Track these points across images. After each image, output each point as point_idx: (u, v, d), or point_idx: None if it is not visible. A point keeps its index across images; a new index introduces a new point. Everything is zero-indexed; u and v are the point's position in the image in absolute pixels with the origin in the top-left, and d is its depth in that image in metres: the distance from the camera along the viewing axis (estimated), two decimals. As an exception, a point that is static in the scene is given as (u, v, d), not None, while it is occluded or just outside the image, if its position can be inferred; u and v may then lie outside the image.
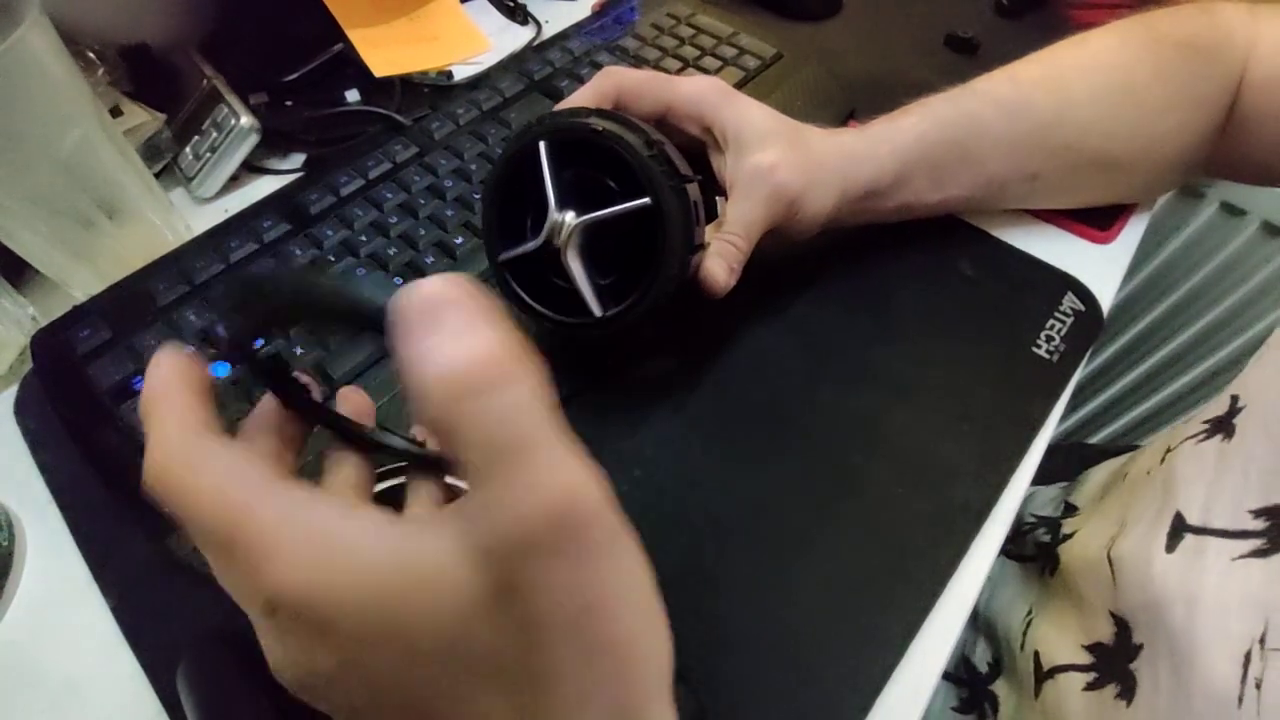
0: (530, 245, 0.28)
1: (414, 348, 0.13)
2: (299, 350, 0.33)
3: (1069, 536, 0.39)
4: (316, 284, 0.18)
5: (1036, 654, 0.37)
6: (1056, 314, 0.37)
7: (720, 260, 0.31)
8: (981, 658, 0.42)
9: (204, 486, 0.15)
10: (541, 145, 0.27)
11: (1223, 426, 0.30)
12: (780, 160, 0.31)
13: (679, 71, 0.48)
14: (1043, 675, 0.36)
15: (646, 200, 0.26)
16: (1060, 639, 0.36)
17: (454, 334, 0.13)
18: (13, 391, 0.35)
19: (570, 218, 0.27)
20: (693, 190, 0.28)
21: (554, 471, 0.13)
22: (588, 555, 0.13)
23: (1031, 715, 0.36)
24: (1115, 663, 0.31)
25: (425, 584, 0.14)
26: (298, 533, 0.14)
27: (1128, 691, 0.30)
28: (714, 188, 0.34)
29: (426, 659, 0.14)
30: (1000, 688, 0.40)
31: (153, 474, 0.16)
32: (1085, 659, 0.33)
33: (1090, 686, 0.32)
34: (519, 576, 0.13)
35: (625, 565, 0.14)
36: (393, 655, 0.14)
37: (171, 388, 0.17)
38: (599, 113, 0.28)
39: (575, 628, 0.14)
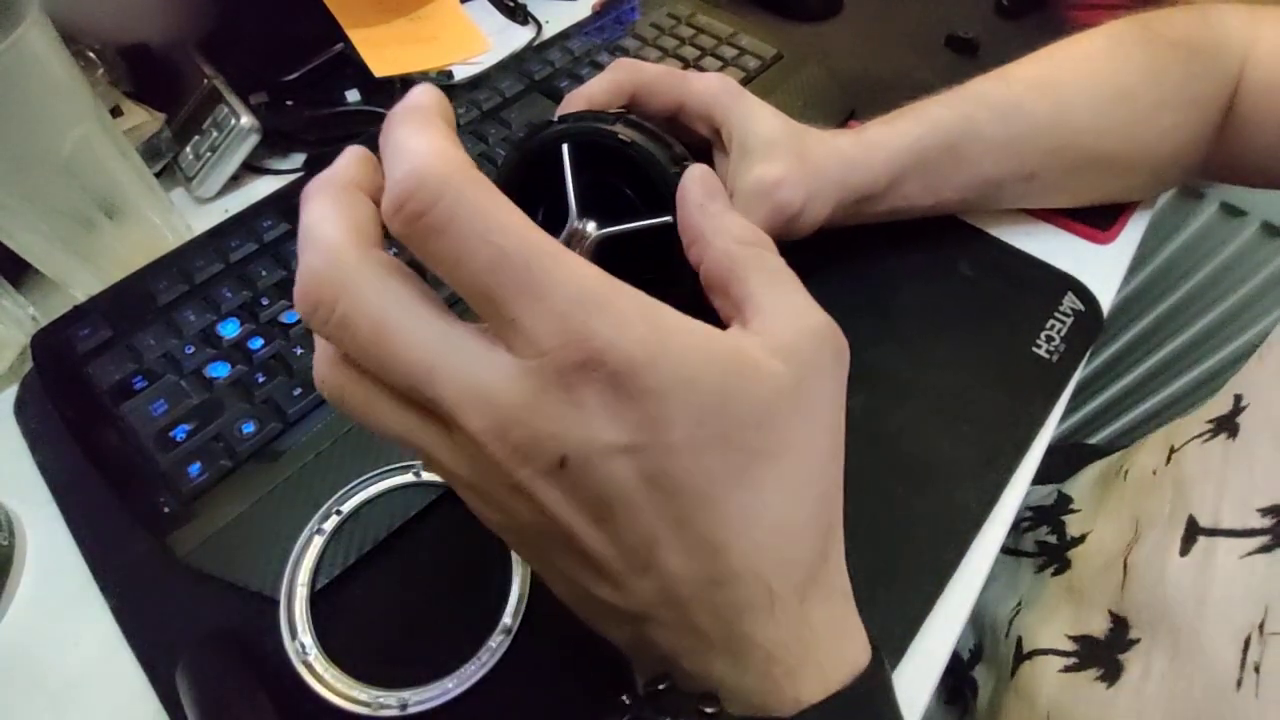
0: None
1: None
2: (299, 351, 0.33)
3: (1079, 540, 0.39)
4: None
5: (1019, 639, 0.37)
6: (1056, 314, 0.37)
7: None
8: (964, 645, 0.42)
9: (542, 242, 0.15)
10: (565, 148, 0.26)
11: (1227, 425, 0.30)
12: (784, 176, 0.31)
13: (679, 71, 0.48)
14: (1021, 657, 0.36)
15: (668, 218, 0.26)
16: (1044, 627, 0.36)
17: None
18: (13, 391, 0.35)
19: (591, 227, 0.26)
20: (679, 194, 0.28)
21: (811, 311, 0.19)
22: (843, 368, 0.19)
23: (1007, 696, 0.37)
24: (1102, 653, 0.31)
25: (748, 367, 0.17)
26: (630, 302, 0.16)
27: (1110, 676, 0.30)
28: None
29: (725, 438, 0.16)
30: (979, 673, 0.40)
31: (460, 212, 0.15)
32: (1068, 646, 0.34)
33: (1068, 669, 0.33)
34: (811, 376, 0.18)
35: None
36: (699, 426, 0.16)
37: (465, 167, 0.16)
38: (624, 119, 0.28)
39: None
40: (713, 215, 0.20)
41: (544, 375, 0.15)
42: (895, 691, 0.20)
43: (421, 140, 0.15)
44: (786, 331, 0.18)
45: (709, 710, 0.16)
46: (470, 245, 0.15)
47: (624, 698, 0.17)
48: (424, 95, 0.17)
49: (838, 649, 0.19)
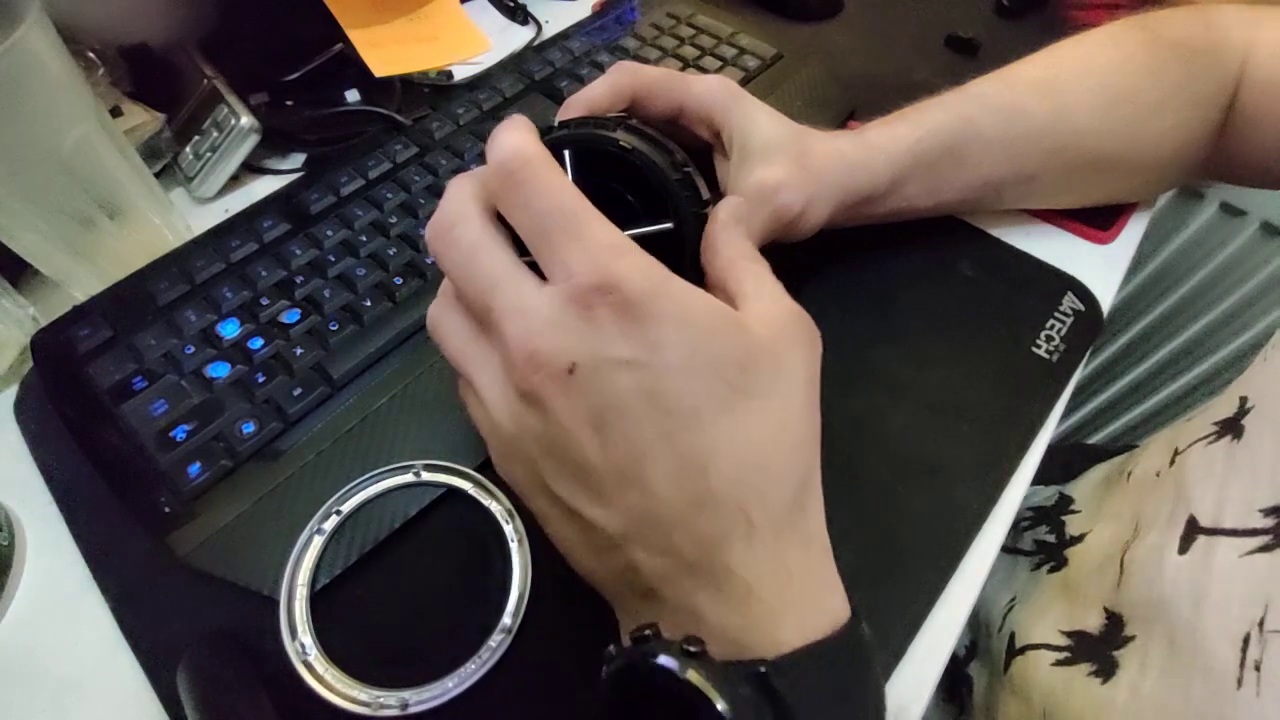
0: None
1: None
2: (299, 351, 0.33)
3: (1078, 539, 0.39)
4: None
5: (1012, 634, 0.37)
6: (1056, 314, 0.37)
7: None
8: (959, 642, 0.43)
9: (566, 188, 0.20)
10: (567, 155, 0.26)
11: (1232, 427, 0.30)
12: (784, 180, 0.31)
13: (680, 72, 0.48)
14: (1014, 652, 0.36)
15: (669, 225, 0.26)
16: (1037, 623, 0.36)
17: None
18: (13, 391, 0.35)
19: None
20: (710, 214, 0.28)
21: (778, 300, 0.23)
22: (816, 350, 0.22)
23: (1000, 691, 0.37)
24: (1096, 649, 0.32)
25: (737, 322, 0.20)
26: (645, 257, 0.20)
27: (1105, 672, 0.30)
28: (718, 197, 0.33)
29: (715, 369, 0.19)
30: (974, 669, 0.41)
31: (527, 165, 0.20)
32: (1061, 641, 0.34)
33: (1060, 663, 0.33)
34: (786, 344, 0.21)
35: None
36: (693, 354, 0.19)
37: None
38: (625, 125, 0.28)
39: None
40: (731, 233, 0.24)
41: (569, 295, 0.19)
42: (875, 656, 0.21)
43: (517, 134, 0.21)
44: (766, 308, 0.22)
45: (692, 650, 0.17)
46: (538, 196, 0.20)
47: (610, 648, 0.18)
48: (519, 118, 0.23)
49: (817, 598, 0.20)
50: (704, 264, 0.24)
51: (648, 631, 0.19)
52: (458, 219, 0.21)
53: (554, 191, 0.20)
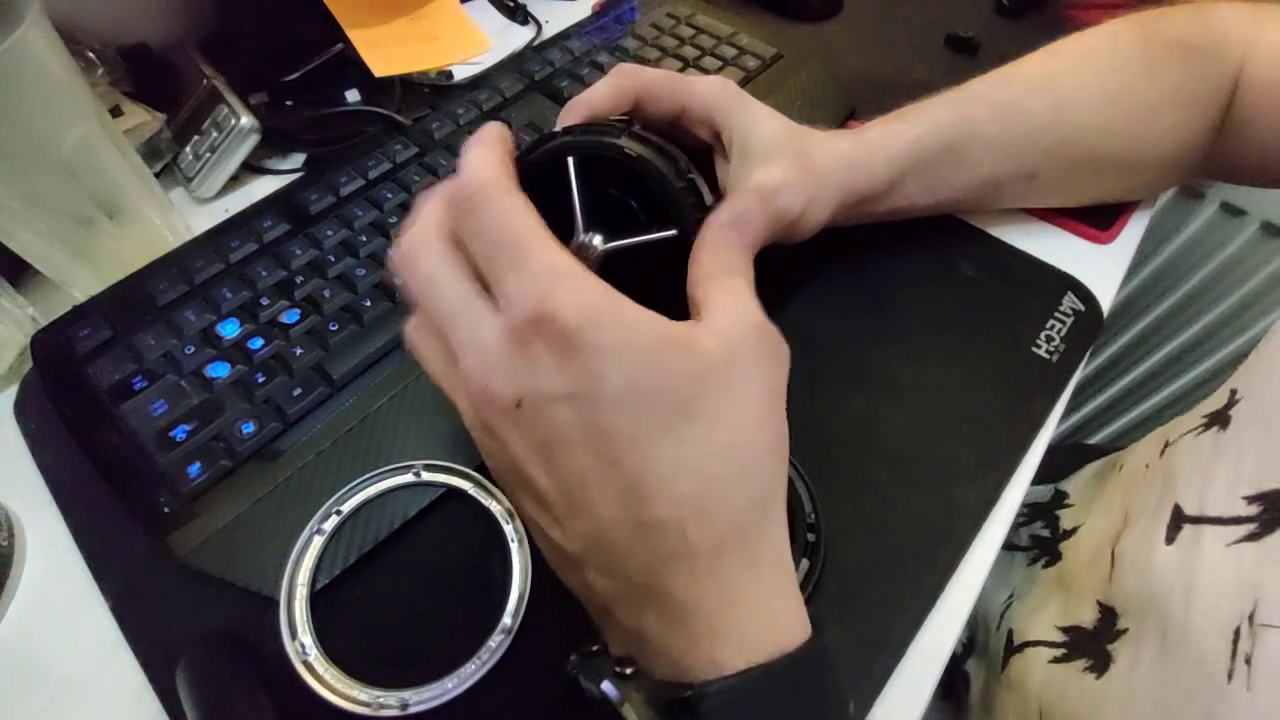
0: None
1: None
2: (299, 351, 0.33)
3: (1070, 533, 0.40)
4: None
5: (1010, 632, 0.37)
6: (1056, 314, 0.37)
7: None
8: (957, 640, 0.43)
9: (528, 222, 0.20)
10: (570, 162, 0.26)
11: (1219, 418, 0.30)
12: (784, 182, 0.31)
13: (680, 72, 0.48)
14: (1012, 650, 0.36)
15: (674, 231, 0.26)
16: (1035, 619, 0.36)
17: None
18: (13, 391, 0.35)
19: (598, 241, 0.26)
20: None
21: (748, 308, 0.22)
22: (783, 365, 0.22)
23: (998, 688, 0.37)
24: (1090, 643, 0.32)
25: (685, 343, 0.20)
26: (589, 282, 0.19)
27: (1099, 666, 0.31)
28: (720, 200, 0.33)
29: (657, 395, 0.19)
30: (971, 666, 0.41)
31: (483, 194, 0.21)
32: (1058, 638, 0.34)
33: (1057, 660, 0.33)
34: (742, 358, 0.20)
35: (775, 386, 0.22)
36: (633, 380, 0.19)
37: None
38: (629, 131, 0.28)
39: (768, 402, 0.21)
40: (716, 243, 0.24)
41: (511, 329, 0.19)
42: (834, 681, 0.20)
43: (477, 155, 0.21)
44: (725, 323, 0.21)
45: (626, 671, 0.18)
46: (486, 223, 0.20)
47: (571, 657, 0.20)
48: (490, 129, 0.23)
49: (764, 621, 0.20)
50: (689, 267, 0.24)
51: (594, 648, 0.20)
52: (420, 246, 0.22)
53: (502, 218, 0.20)
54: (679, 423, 0.19)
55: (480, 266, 0.21)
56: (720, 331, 0.21)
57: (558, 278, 0.19)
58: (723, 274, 0.23)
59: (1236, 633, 0.25)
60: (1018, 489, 0.32)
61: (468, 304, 0.20)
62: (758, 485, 0.20)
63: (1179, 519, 0.29)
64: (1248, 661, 0.24)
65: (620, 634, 0.21)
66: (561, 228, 0.27)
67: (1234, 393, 0.31)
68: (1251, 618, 0.24)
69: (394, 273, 0.22)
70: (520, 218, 0.20)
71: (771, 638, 0.19)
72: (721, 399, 0.20)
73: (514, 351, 0.19)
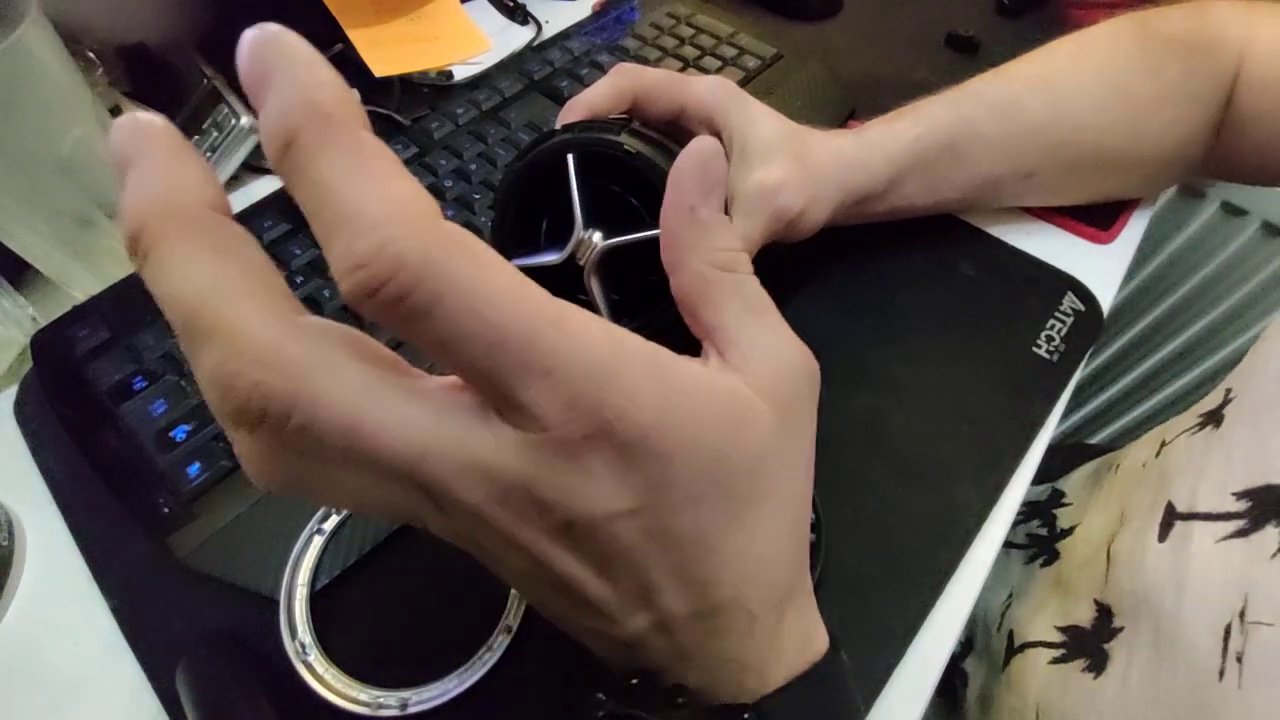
0: (552, 258, 0.27)
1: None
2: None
3: (1068, 532, 0.40)
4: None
5: (1010, 633, 0.37)
6: (1056, 314, 0.37)
7: None
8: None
9: (519, 291, 0.14)
10: (570, 159, 0.26)
11: (1214, 417, 0.30)
12: (784, 180, 0.31)
13: (680, 72, 0.48)
14: (1013, 650, 0.36)
15: None
16: (1035, 619, 0.36)
17: None
18: (13, 391, 0.35)
19: (598, 238, 0.26)
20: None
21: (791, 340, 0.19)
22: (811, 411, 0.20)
23: (997, 687, 0.37)
24: (1088, 642, 0.32)
25: (742, 416, 0.17)
26: (639, 365, 0.15)
27: (1096, 666, 0.31)
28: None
29: (721, 489, 0.17)
30: (970, 664, 0.41)
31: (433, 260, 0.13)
32: (1057, 638, 0.34)
33: (1057, 660, 0.33)
34: (791, 414, 0.18)
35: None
36: (699, 481, 0.16)
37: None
38: (628, 128, 0.28)
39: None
40: (697, 224, 0.18)
41: (550, 448, 0.14)
42: (850, 677, 0.21)
43: (375, 194, 0.12)
44: (767, 369, 0.18)
45: (680, 700, 0.17)
46: (464, 326, 0.13)
47: (599, 694, 0.18)
48: (334, 102, 0.13)
49: (800, 646, 0.20)
50: (667, 266, 0.19)
51: (635, 680, 0.18)
52: (286, 397, 0.13)
53: (488, 311, 0.13)
54: (744, 511, 0.17)
55: (464, 375, 0.14)
56: (768, 387, 0.18)
57: (601, 377, 0.14)
58: (726, 275, 0.19)
59: (1227, 630, 0.25)
60: (1018, 489, 0.32)
61: (444, 425, 0.14)
62: (803, 533, 0.20)
63: (1171, 516, 0.29)
64: (1239, 659, 0.24)
65: (661, 679, 0.20)
66: (561, 226, 0.27)
67: (1228, 392, 0.31)
68: (1242, 615, 0.25)
69: (236, 439, 0.14)
70: (510, 287, 0.13)
71: (806, 655, 0.20)
72: (780, 472, 0.18)
73: (558, 470, 0.14)
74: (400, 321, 0.13)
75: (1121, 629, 0.30)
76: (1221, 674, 0.24)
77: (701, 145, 0.18)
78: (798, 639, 0.20)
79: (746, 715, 0.18)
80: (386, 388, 0.14)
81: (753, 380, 0.18)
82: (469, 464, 0.14)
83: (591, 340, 0.14)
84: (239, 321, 0.12)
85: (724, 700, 0.19)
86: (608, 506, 0.15)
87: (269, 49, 0.13)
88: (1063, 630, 0.34)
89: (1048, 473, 0.48)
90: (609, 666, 0.20)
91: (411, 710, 0.25)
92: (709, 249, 0.18)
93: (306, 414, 0.13)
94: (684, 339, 0.22)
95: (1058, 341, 0.36)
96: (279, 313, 0.13)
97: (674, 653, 0.18)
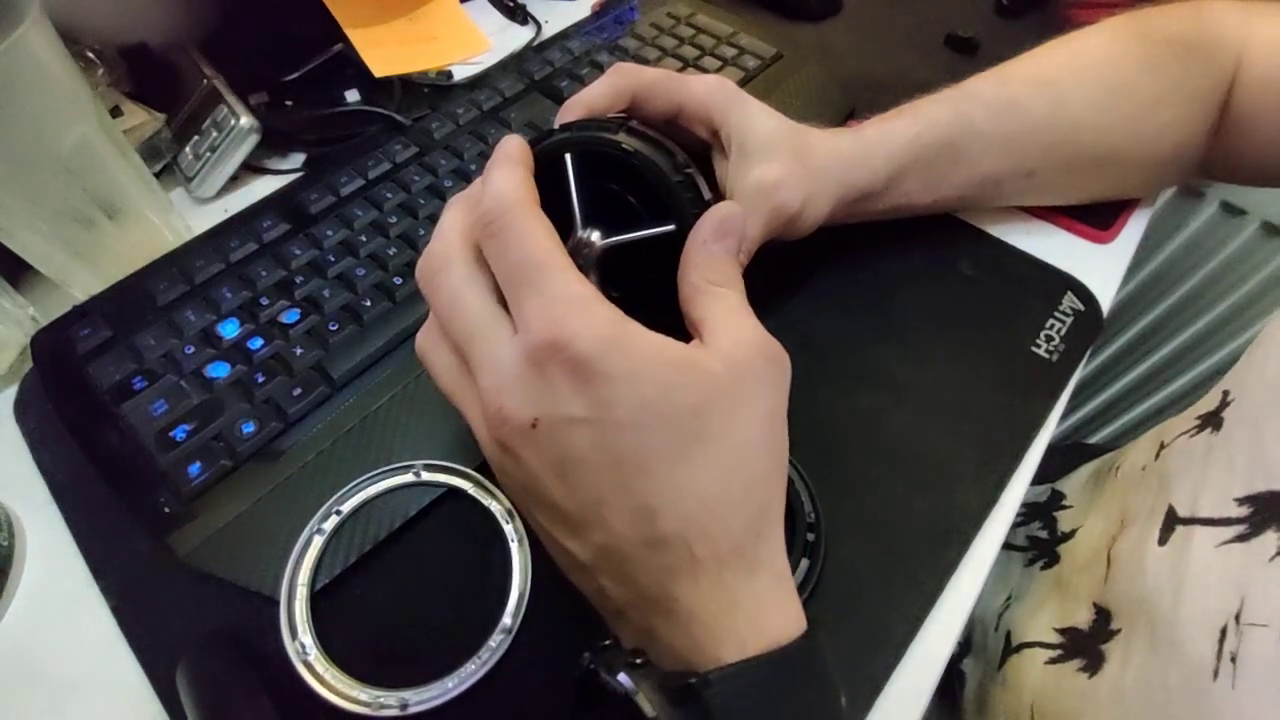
0: None
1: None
2: (299, 351, 0.33)
3: (1069, 535, 0.40)
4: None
5: (1008, 633, 0.37)
6: (1056, 314, 0.37)
7: None
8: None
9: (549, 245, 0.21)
10: (568, 158, 0.26)
11: (1212, 420, 0.30)
12: (783, 177, 0.31)
13: (679, 72, 0.48)
14: (1010, 650, 0.36)
15: (672, 226, 0.26)
16: (1033, 620, 0.36)
17: None
18: (13, 391, 0.35)
19: (596, 237, 0.26)
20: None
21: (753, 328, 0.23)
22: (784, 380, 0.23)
23: (993, 687, 0.37)
24: (1085, 644, 0.32)
25: (690, 367, 0.21)
26: (607, 310, 0.20)
27: (1091, 666, 0.31)
28: (720, 200, 0.33)
29: (664, 420, 0.20)
30: (967, 665, 0.41)
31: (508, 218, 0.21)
32: (1055, 639, 0.34)
33: (1053, 661, 0.33)
34: (746, 378, 0.21)
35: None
36: (642, 407, 0.20)
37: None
38: (626, 127, 0.28)
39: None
40: (704, 251, 0.23)
41: (527, 352, 0.20)
42: (824, 670, 0.22)
43: (505, 176, 0.22)
44: (727, 343, 0.22)
45: (637, 661, 0.20)
46: (509, 246, 0.21)
47: (585, 654, 0.21)
48: (512, 146, 0.24)
49: (758, 621, 0.21)
50: (679, 281, 0.24)
51: (607, 642, 0.21)
52: (443, 262, 0.23)
53: (525, 242, 0.21)
54: (686, 446, 0.20)
55: (504, 287, 0.21)
56: (724, 354, 0.21)
57: (576, 305, 0.20)
58: (717, 286, 0.23)
59: (1223, 631, 0.25)
60: (1018, 489, 0.32)
61: (487, 323, 0.21)
62: (757, 503, 0.22)
63: (1172, 520, 0.29)
64: (1233, 660, 0.24)
65: (632, 632, 0.23)
66: (560, 224, 0.27)
67: (1226, 394, 0.31)
68: (1238, 617, 0.25)
69: (419, 281, 0.23)
70: (541, 241, 0.21)
71: (764, 635, 0.21)
72: (726, 422, 0.21)
73: (530, 374, 0.20)
74: (484, 236, 0.22)
75: (1119, 631, 0.30)
76: (1216, 674, 0.24)
77: (728, 209, 0.24)
78: (753, 610, 0.21)
79: (693, 680, 0.19)
80: (482, 291, 0.22)
81: (711, 351, 0.21)
82: (490, 353, 0.21)
83: (579, 284, 0.20)
84: (444, 230, 0.24)
85: (682, 662, 0.21)
86: (562, 410, 0.20)
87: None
88: (1061, 632, 0.34)
89: (1048, 473, 0.48)
90: (597, 628, 0.24)
91: (411, 710, 0.25)
92: (709, 269, 0.23)
93: (441, 278, 0.23)
94: (680, 337, 0.22)
95: (1057, 341, 0.36)
96: (463, 232, 0.24)
97: (629, 584, 0.21)
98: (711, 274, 0.23)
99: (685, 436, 0.20)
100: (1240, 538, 0.26)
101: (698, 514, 0.20)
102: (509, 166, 0.23)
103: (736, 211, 0.24)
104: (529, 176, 0.23)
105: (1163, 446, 0.34)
